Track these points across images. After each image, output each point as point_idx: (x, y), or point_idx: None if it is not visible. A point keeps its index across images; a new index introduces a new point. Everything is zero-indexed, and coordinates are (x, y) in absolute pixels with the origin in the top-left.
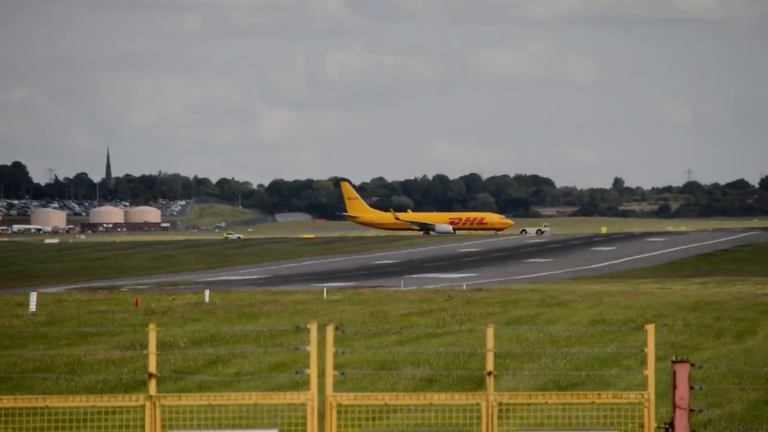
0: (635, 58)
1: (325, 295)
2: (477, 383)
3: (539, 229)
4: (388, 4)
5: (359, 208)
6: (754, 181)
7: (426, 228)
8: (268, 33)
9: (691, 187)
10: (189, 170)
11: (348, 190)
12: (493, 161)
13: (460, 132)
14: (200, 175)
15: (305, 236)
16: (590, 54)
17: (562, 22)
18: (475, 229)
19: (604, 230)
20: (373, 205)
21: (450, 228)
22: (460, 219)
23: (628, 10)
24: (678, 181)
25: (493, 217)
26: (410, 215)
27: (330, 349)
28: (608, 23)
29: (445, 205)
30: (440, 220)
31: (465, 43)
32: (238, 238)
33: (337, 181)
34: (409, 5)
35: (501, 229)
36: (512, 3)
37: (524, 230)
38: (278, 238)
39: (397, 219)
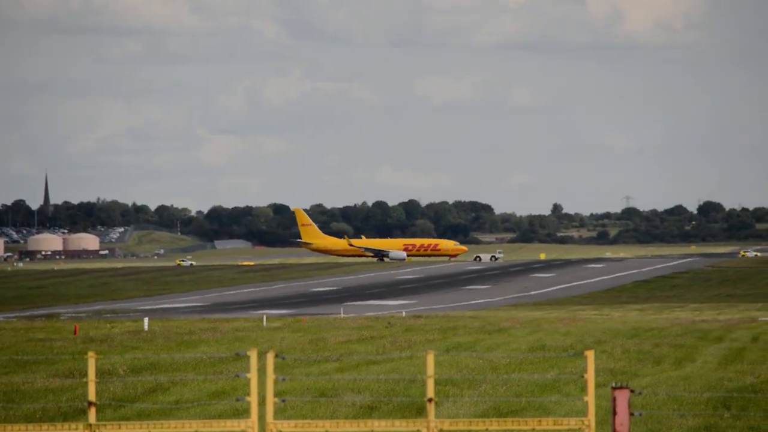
0: (574, 85)
1: (264, 323)
2: (418, 410)
3: (493, 256)
4: (328, 29)
5: (313, 234)
6: (692, 207)
7: (380, 254)
8: (208, 58)
9: (630, 213)
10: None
11: (302, 217)
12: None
13: (400, 158)
14: (139, 202)
15: (245, 263)
16: (529, 80)
17: (502, 47)
18: (429, 255)
19: (542, 257)
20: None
21: (404, 254)
22: (414, 245)
23: (568, 36)
24: (616, 207)
25: (447, 244)
26: (364, 242)
27: (270, 376)
28: (547, 50)
29: (384, 232)
30: (395, 246)
31: (405, 69)
32: (191, 264)
33: (276, 208)
34: (349, 31)
35: (455, 255)
36: (452, 30)
37: (478, 257)
38: (217, 266)
39: (351, 245)
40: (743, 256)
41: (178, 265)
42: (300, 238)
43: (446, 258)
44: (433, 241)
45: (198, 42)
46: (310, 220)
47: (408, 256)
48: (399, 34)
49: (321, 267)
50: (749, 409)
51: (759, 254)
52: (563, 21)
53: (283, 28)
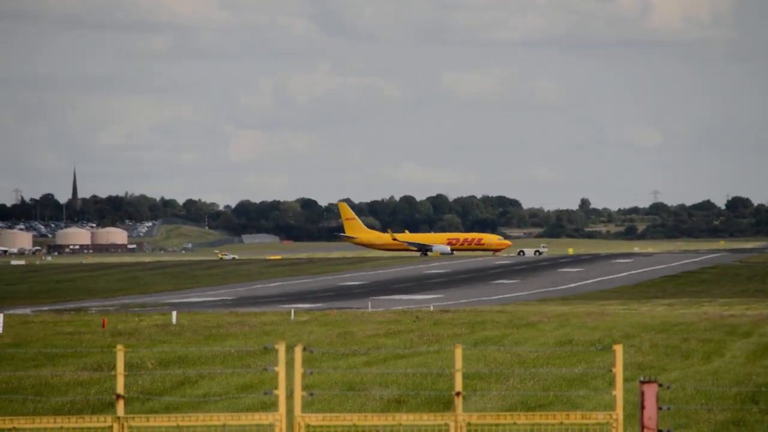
0: (601, 80)
1: (292, 317)
2: (445, 404)
3: (537, 250)
4: (355, 25)
5: (357, 228)
6: (720, 202)
7: (424, 249)
8: (235, 54)
9: (658, 208)
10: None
11: (346, 211)
12: (460, 182)
13: (427, 153)
14: (167, 197)
15: (272, 257)
16: (556, 75)
17: (528, 44)
18: (473, 250)
19: (570, 251)
20: (341, 227)
21: (448, 249)
22: (458, 240)
23: (594, 31)
24: (644, 203)
25: (491, 238)
26: (408, 236)
27: (298, 369)
28: (574, 45)
29: (412, 227)
30: (438, 240)
31: (431, 65)
32: (233, 258)
33: (304, 203)
34: (377, 27)
35: (499, 250)
36: (479, 25)
37: (522, 251)
38: (245, 260)
39: (395, 239)
40: None
41: (221, 258)
42: (344, 231)
43: (491, 252)
44: (477, 236)
45: (225, 38)
46: (354, 214)
47: (452, 250)
48: (425, 30)
49: (349, 261)
50: None
51: None
52: (590, 16)
53: (310, 24)
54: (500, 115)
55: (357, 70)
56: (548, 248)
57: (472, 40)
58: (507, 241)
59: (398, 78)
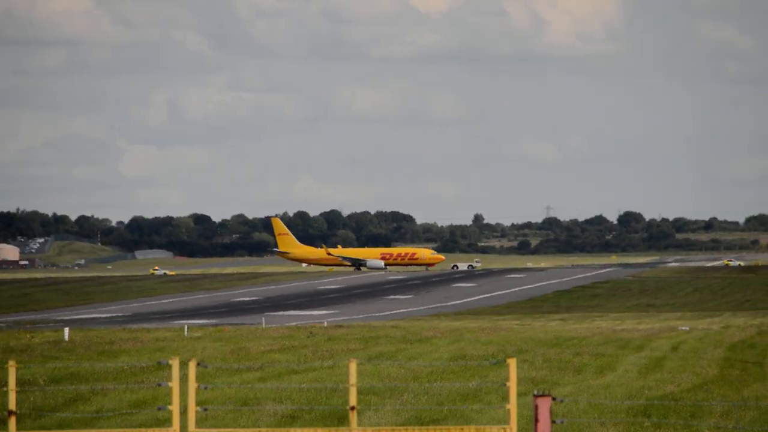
0: (495, 95)
1: (186, 332)
2: (340, 419)
3: (471, 265)
4: (249, 40)
5: (290, 243)
6: (613, 217)
7: (358, 263)
8: (129, 69)
9: (551, 223)
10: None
11: (279, 226)
12: (354, 198)
13: (321, 168)
14: (59, 213)
15: (169, 273)
16: (450, 91)
17: (423, 59)
18: (407, 265)
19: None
20: (234, 243)
21: (382, 263)
22: (392, 254)
23: (489, 47)
24: (537, 218)
25: (424, 253)
26: (342, 251)
27: (192, 385)
28: (468, 60)
29: (305, 242)
30: (372, 255)
31: (326, 81)
32: (164, 273)
33: (197, 218)
34: (271, 42)
35: (432, 264)
36: (373, 41)
37: (455, 265)
38: (138, 276)
39: (329, 254)
40: (728, 264)
41: (152, 273)
42: (277, 247)
43: (423, 267)
44: (410, 250)
45: (118, 53)
46: (287, 230)
47: (385, 265)
48: (319, 46)
49: (243, 277)
50: (669, 417)
51: (742, 263)
52: (484, 31)
53: (203, 39)
54: (394, 131)
55: (251, 85)
56: (481, 263)
57: (366, 56)
58: (440, 256)
59: (292, 93)
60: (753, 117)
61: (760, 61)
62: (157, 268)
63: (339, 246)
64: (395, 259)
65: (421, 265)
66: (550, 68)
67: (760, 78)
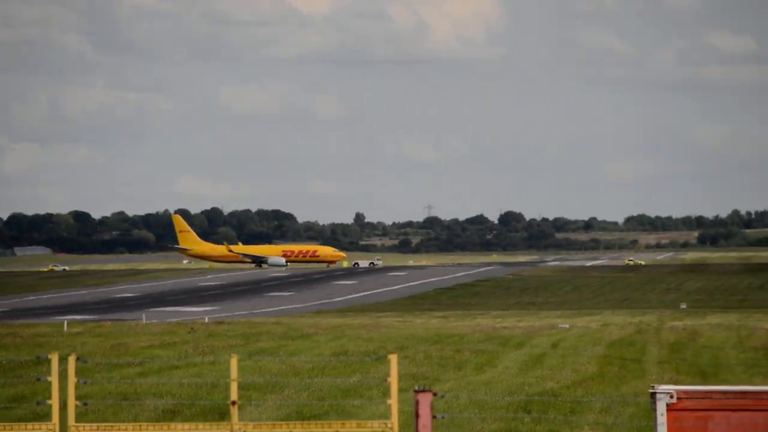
0: (378, 96)
1: (65, 328)
2: (221, 414)
3: (372, 262)
4: (130, 40)
5: (191, 240)
6: (493, 217)
7: (259, 260)
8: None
9: (432, 222)
10: None
11: (180, 223)
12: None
13: (202, 167)
14: None
15: (42, 270)
16: (333, 91)
17: (305, 60)
18: (308, 262)
19: (345, 264)
20: (114, 240)
21: (283, 260)
22: (293, 252)
23: (370, 49)
24: (418, 217)
25: (326, 250)
26: (243, 248)
27: (72, 379)
28: (349, 62)
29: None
30: (273, 252)
31: (206, 80)
32: (64, 270)
33: (77, 215)
34: (152, 42)
35: (333, 262)
36: (256, 41)
37: (357, 263)
38: (19, 272)
39: (230, 251)
40: (629, 262)
41: (51, 270)
42: (177, 243)
43: (325, 264)
44: (312, 248)
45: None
46: (188, 227)
47: (287, 262)
48: (200, 46)
49: (124, 273)
50: (549, 412)
51: (643, 262)
52: (366, 34)
53: (84, 39)
54: (276, 130)
55: (132, 84)
56: (382, 261)
57: (247, 56)
58: (341, 253)
59: (173, 92)
60: (633, 119)
61: (640, 65)
62: (56, 265)
63: (225, 243)
64: (297, 256)
65: (322, 262)
66: (432, 70)
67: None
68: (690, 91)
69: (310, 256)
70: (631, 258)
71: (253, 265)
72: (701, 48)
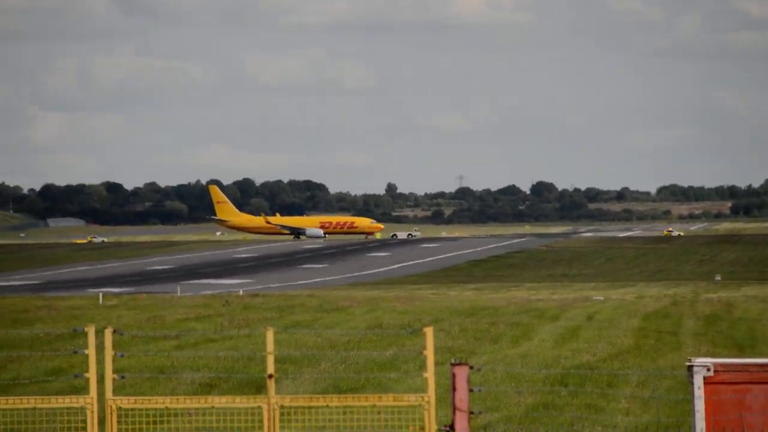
0: (408, 64)
1: (101, 301)
2: (257, 387)
3: (410, 234)
4: (160, 7)
5: (229, 211)
6: (525, 187)
7: (297, 232)
8: (37, 36)
9: (464, 193)
10: None
11: (217, 194)
12: (266, 166)
13: (234, 137)
14: None
15: (79, 241)
16: (363, 60)
17: (335, 27)
18: (346, 233)
19: (378, 236)
20: (147, 211)
21: (321, 232)
22: (331, 223)
23: (401, 16)
24: (450, 187)
25: (363, 222)
26: (281, 219)
27: (109, 352)
28: (380, 29)
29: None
30: (311, 224)
31: (237, 48)
32: (102, 241)
33: (109, 186)
34: (182, 9)
35: (371, 233)
36: (285, 9)
37: (395, 234)
38: (51, 244)
39: (269, 223)
40: (668, 233)
41: (90, 241)
42: (215, 215)
43: (363, 236)
44: (349, 219)
45: (26, 19)
46: (225, 198)
47: (325, 233)
48: (230, 13)
49: (156, 245)
50: (585, 386)
51: (681, 233)
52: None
53: (113, 5)
54: (307, 99)
55: (162, 52)
56: (420, 233)
57: (278, 24)
58: (379, 225)
59: (204, 61)
60: (664, 88)
61: (671, 32)
62: (95, 236)
63: (262, 214)
64: (334, 227)
65: (360, 233)
66: (462, 38)
67: (671, 49)
68: (723, 59)
69: (348, 228)
70: (670, 228)
71: (291, 237)
72: (731, 13)
